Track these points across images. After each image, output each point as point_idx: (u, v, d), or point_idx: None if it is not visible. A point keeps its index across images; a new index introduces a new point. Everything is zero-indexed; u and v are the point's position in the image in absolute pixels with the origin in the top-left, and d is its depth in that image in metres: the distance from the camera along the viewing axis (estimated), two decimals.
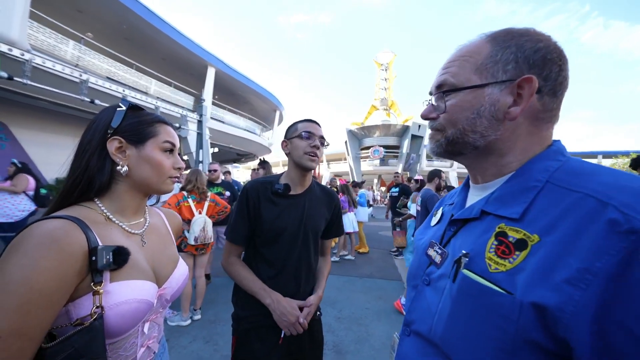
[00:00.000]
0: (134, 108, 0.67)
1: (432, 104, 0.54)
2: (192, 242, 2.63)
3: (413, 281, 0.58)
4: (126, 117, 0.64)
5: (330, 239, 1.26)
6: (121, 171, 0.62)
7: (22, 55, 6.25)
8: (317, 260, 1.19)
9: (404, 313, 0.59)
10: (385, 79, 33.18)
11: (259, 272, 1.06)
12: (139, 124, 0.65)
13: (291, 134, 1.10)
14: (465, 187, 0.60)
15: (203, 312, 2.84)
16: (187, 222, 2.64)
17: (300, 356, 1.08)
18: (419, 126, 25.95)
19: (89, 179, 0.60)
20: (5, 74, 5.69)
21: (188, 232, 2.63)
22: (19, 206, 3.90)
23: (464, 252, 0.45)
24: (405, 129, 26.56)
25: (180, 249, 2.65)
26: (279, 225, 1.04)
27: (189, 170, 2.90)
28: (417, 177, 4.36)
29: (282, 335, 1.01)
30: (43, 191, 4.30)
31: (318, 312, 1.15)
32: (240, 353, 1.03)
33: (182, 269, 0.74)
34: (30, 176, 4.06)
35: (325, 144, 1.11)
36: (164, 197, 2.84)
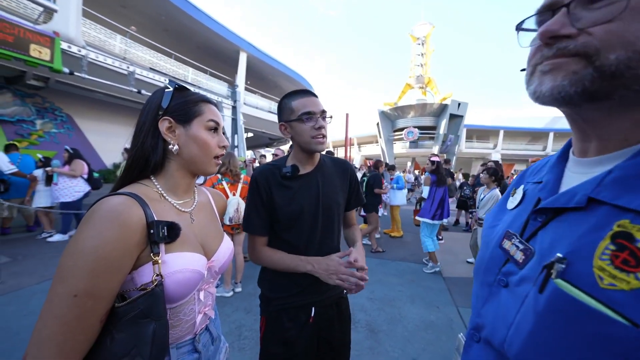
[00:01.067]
0: (180, 89, 0.70)
1: (568, 13, 0.34)
2: (228, 222, 2.79)
3: (484, 277, 0.48)
4: (174, 98, 0.68)
5: (352, 209, 1.21)
6: (172, 149, 0.66)
7: (79, 51, 6.89)
8: (340, 237, 1.14)
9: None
10: (422, 54, 30.88)
11: None
12: (185, 104, 0.68)
13: (288, 116, 0.99)
14: (561, 159, 0.45)
15: (243, 286, 3.07)
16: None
17: (329, 333, 1.08)
18: (459, 104, 24.02)
19: (145, 158, 0.65)
20: (67, 70, 6.35)
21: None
22: (76, 187, 4.50)
23: (559, 255, 0.33)
24: (443, 107, 24.77)
25: None
26: (294, 208, 1.00)
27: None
28: (432, 158, 4.07)
29: (313, 314, 1.03)
30: (96, 175, 4.92)
31: (344, 291, 1.12)
32: (270, 333, 1.03)
33: (227, 244, 0.79)
34: (83, 161, 4.63)
35: (329, 117, 1.01)
36: (199, 180, 3.03)
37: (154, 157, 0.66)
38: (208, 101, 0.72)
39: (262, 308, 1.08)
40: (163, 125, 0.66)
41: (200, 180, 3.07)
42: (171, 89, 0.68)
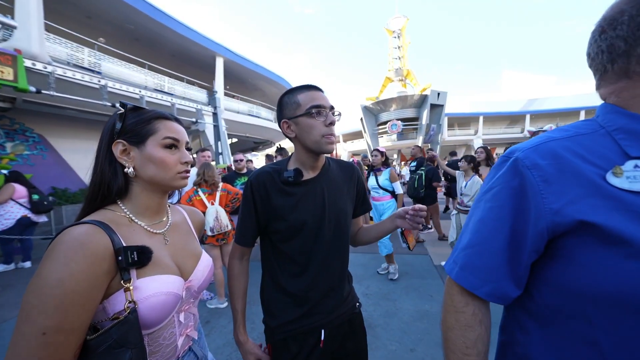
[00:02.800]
0: (135, 109, 0.67)
1: None
2: (210, 233, 2.74)
3: None
4: (127, 119, 0.65)
5: (359, 216, 1.11)
6: (128, 173, 0.64)
7: (45, 67, 6.58)
8: (348, 255, 1.03)
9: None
10: (399, 47, 31.26)
11: (282, 269, 0.94)
12: (137, 124, 0.66)
13: (293, 111, 0.87)
14: None
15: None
16: (203, 214, 2.74)
17: (343, 353, 0.98)
18: (438, 94, 24.49)
19: (107, 185, 0.63)
20: (33, 88, 6.06)
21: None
22: (5, 215, 4.07)
23: None
24: (423, 98, 25.20)
25: (202, 242, 2.80)
26: (297, 218, 0.89)
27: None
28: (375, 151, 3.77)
29: (322, 338, 0.92)
30: (35, 197, 4.41)
31: (358, 304, 1.06)
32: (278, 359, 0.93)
33: (205, 262, 0.78)
34: (19, 184, 4.23)
35: (337, 114, 0.90)
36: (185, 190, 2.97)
37: (115, 183, 0.64)
38: (164, 117, 0.69)
39: (266, 334, 0.97)
40: (117, 149, 0.64)
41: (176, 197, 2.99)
42: (122, 110, 0.65)
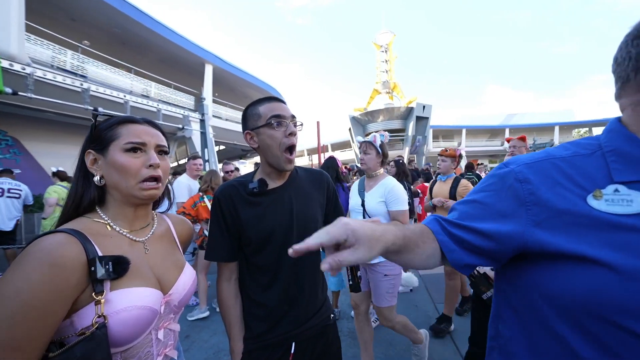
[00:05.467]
0: (105, 117, 0.67)
1: None
2: None
3: None
4: (97, 128, 0.65)
5: None
6: (96, 182, 0.63)
7: (24, 69, 6.34)
8: (320, 256, 1.00)
9: None
10: (386, 61, 32.29)
11: (253, 281, 0.93)
12: (100, 131, 0.65)
13: (255, 122, 0.88)
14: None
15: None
16: (206, 221, 2.73)
17: None
18: (424, 107, 25.37)
19: (80, 196, 0.62)
20: (9, 90, 5.80)
21: (208, 230, 2.71)
22: None
23: None
24: (409, 111, 26.01)
25: (202, 247, 2.77)
26: (264, 227, 0.89)
27: (204, 171, 3.01)
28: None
29: (292, 351, 0.90)
30: None
31: (332, 315, 1.03)
32: None
33: (188, 275, 0.74)
34: None
35: (299, 124, 0.91)
36: (181, 199, 2.94)
37: (87, 194, 0.63)
38: (129, 121, 0.66)
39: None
40: (88, 159, 0.64)
41: (183, 199, 2.93)
42: (93, 120, 0.65)
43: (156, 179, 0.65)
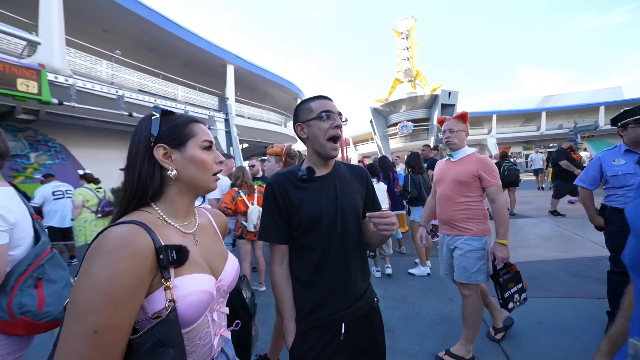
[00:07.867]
0: (166, 113, 0.70)
1: None
2: (252, 229, 3.02)
3: None
4: (162, 124, 0.67)
5: None
6: (171, 175, 0.66)
7: (67, 80, 6.89)
8: (364, 245, 1.08)
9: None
10: (407, 48, 31.01)
11: (302, 263, 1.00)
12: (175, 128, 0.68)
13: (306, 116, 1.01)
14: None
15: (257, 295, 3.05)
16: (244, 213, 3.04)
17: (363, 346, 1.02)
18: (449, 93, 24.11)
19: (143, 188, 0.65)
20: (56, 100, 6.35)
21: (246, 222, 3.05)
22: None
23: None
24: (434, 98, 24.83)
25: (241, 237, 3.10)
26: (314, 209, 0.98)
27: (234, 168, 3.26)
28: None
29: (343, 331, 0.96)
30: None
31: (375, 298, 1.10)
32: (297, 351, 0.96)
33: (232, 262, 0.79)
34: None
35: (344, 119, 1.03)
36: (214, 195, 3.17)
37: (152, 185, 0.65)
38: (197, 121, 0.73)
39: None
40: (158, 152, 0.66)
41: (216, 195, 3.19)
42: (157, 115, 0.67)
43: (219, 172, 0.74)
